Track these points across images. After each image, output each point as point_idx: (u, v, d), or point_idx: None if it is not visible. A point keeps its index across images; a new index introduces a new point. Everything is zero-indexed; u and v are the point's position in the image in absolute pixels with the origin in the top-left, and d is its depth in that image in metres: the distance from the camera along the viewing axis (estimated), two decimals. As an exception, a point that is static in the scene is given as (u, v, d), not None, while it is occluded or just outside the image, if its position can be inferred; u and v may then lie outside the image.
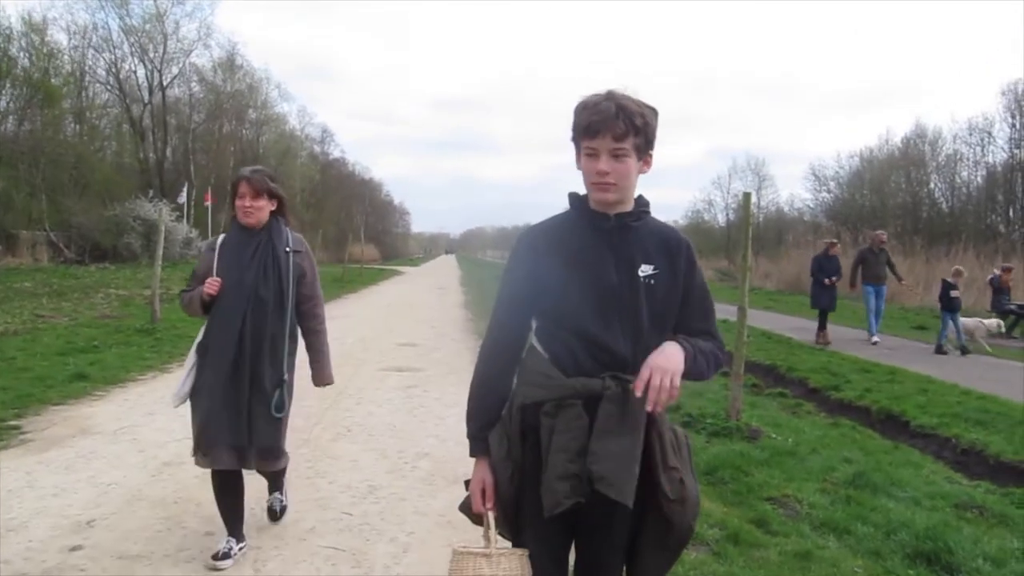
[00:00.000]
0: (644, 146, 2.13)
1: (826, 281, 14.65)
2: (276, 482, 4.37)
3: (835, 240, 17.02)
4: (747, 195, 7.28)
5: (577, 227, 2.18)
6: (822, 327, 14.65)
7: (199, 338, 3.93)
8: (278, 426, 3.93)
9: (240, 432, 3.77)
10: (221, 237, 4.01)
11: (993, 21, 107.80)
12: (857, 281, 14.76)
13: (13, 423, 6.41)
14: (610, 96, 2.10)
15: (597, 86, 2.16)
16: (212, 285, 3.77)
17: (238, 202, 3.85)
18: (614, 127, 2.06)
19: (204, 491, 4.80)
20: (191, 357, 3.96)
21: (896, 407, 8.55)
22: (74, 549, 3.91)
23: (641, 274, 2.13)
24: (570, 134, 2.19)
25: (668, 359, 2.05)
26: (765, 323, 16.21)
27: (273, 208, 3.95)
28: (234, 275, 3.79)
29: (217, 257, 3.88)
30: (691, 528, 2.22)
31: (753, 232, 7.26)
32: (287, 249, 3.92)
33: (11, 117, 36.34)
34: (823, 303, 14.77)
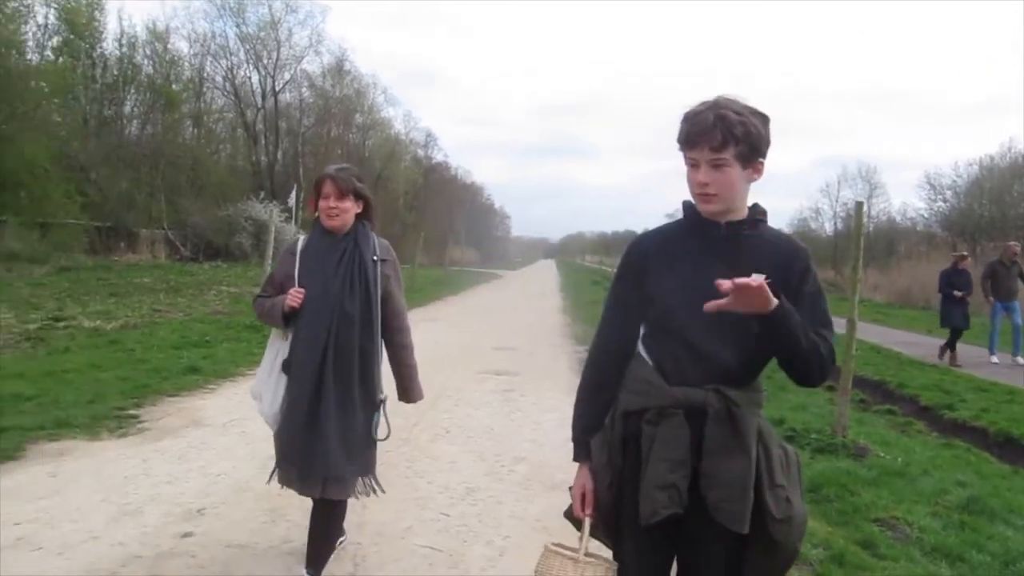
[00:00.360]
0: (749, 154, 2.07)
1: (955, 294, 13.65)
2: (330, 529, 3.73)
3: (965, 254, 15.61)
4: (859, 204, 7.06)
5: (688, 235, 2.17)
6: (951, 347, 13.57)
7: (282, 354, 3.57)
8: (372, 450, 3.66)
9: (313, 456, 3.43)
10: (301, 240, 3.64)
11: None
12: (988, 296, 13.69)
13: (132, 412, 6.73)
14: (713, 105, 2.06)
15: (702, 92, 2.13)
16: (295, 296, 3.43)
17: (322, 203, 3.46)
18: (711, 138, 2.03)
19: (307, 485, 4.95)
20: (273, 373, 3.58)
21: (1016, 429, 8.10)
22: (185, 536, 4.07)
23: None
24: (666, 138, 2.18)
25: (757, 285, 1.92)
26: (874, 337, 15.62)
27: (359, 211, 3.56)
28: (318, 284, 3.43)
29: (299, 263, 3.52)
30: (796, 550, 2.15)
31: (864, 242, 7.02)
32: (375, 257, 3.53)
33: (135, 121, 38.26)
34: (955, 320, 13.67)
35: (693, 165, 2.08)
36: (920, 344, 16.01)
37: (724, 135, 2.02)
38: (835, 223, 55.82)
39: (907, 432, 8.11)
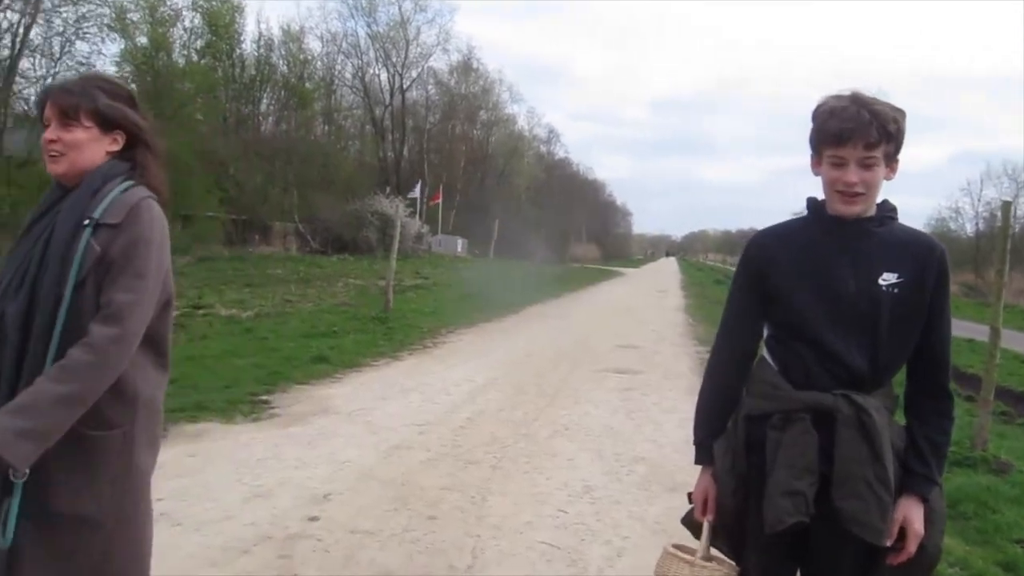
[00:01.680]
0: (893, 153, 2.00)
1: None
2: None
3: None
4: (1007, 203, 6.64)
5: (812, 232, 2.07)
6: None
7: None
8: None
9: None
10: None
11: None
12: None
13: (264, 398, 7.03)
14: (857, 99, 1.97)
15: (819, 88, 2.04)
16: None
17: (44, 138, 2.02)
18: (867, 135, 1.93)
19: (429, 476, 5.06)
20: None
21: None
22: (312, 519, 4.21)
23: (883, 283, 1.98)
24: (805, 138, 2.08)
25: (922, 526, 2.00)
26: (1020, 346, 14.71)
27: (114, 147, 2.07)
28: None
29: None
30: (938, 547, 2.06)
31: (1010, 244, 6.61)
32: (87, 222, 1.92)
33: (270, 119, 39.97)
34: None
35: (838, 164, 1.97)
36: (1071, 354, 14.97)
37: (879, 133, 1.94)
38: (977, 224, 52.85)
39: (1055, 448, 7.60)
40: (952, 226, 54.26)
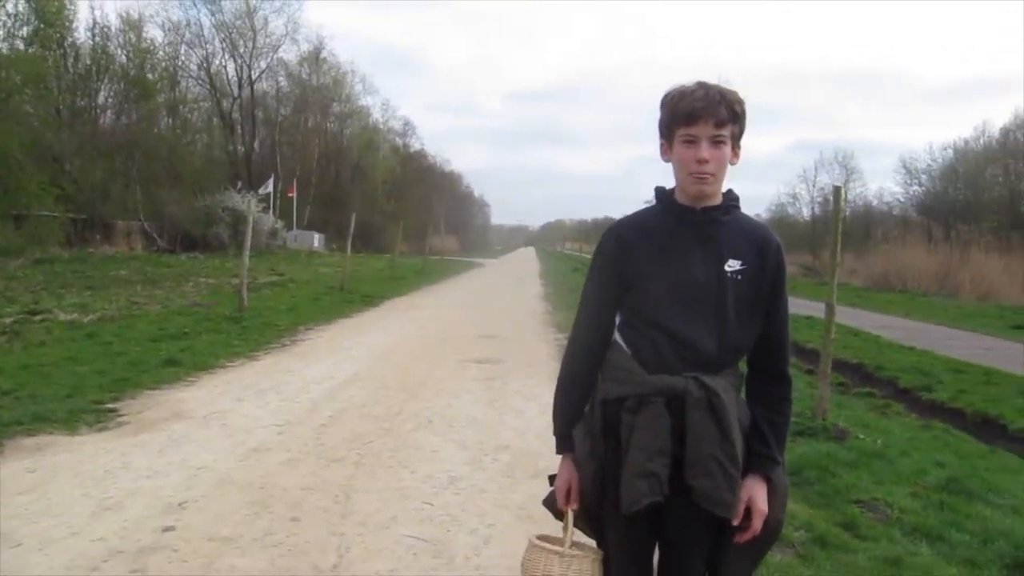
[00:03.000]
0: (738, 136, 2.10)
1: None
2: None
3: None
4: (837, 189, 7.08)
5: (663, 221, 2.15)
6: None
7: None
8: None
9: None
10: None
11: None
12: None
13: (110, 406, 6.67)
14: (703, 84, 2.08)
15: (678, 78, 2.13)
16: None
17: None
18: (717, 112, 2.02)
19: (290, 477, 4.94)
20: None
21: (993, 409, 8.20)
22: (167, 530, 4.03)
23: (728, 269, 2.08)
24: (655, 126, 2.16)
25: (766, 505, 2.11)
26: (852, 320, 15.74)
27: None
28: None
29: None
30: (780, 521, 2.18)
31: (841, 227, 7.05)
32: None
33: (109, 111, 37.85)
34: None
35: (690, 142, 2.05)
36: (897, 327, 16.19)
37: (728, 111, 2.04)
38: (812, 208, 56.09)
39: (886, 414, 8.18)
40: (791, 211, 57.38)
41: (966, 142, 46.85)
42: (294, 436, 5.93)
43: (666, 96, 2.12)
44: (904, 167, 49.07)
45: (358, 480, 4.94)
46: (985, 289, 26.21)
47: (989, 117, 74.57)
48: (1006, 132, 44.51)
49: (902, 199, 49.93)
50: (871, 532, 4.34)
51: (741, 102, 2.08)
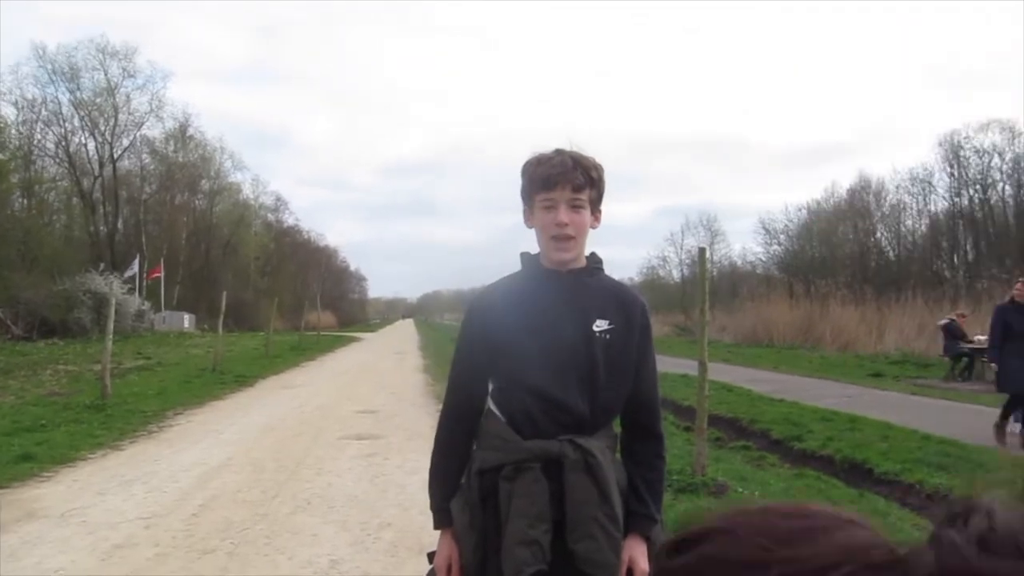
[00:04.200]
0: (597, 200, 2.15)
1: None
2: None
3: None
4: (702, 250, 7.36)
5: (530, 285, 2.17)
6: (1010, 416, 9.43)
7: None
8: None
9: None
10: None
11: (928, 71, 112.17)
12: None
13: (-46, 509, 6.13)
14: (560, 152, 2.12)
15: (541, 147, 2.18)
16: None
17: None
18: (573, 178, 2.07)
19: (158, 573, 4.63)
20: None
21: (859, 455, 8.55)
22: (18, 642, 3.70)
23: (596, 329, 2.10)
24: (518, 193, 2.20)
25: (646, 564, 2.09)
26: (724, 376, 16.25)
27: None
28: None
29: None
30: None
31: (709, 286, 7.31)
32: None
33: (-44, 194, 35.74)
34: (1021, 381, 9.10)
35: (549, 207, 2.09)
36: (767, 380, 16.81)
37: (584, 177, 2.08)
38: (681, 270, 58.39)
39: (762, 466, 8.41)
40: (661, 273, 59.61)
41: (818, 203, 49.98)
42: (162, 528, 5.58)
43: (526, 164, 2.16)
44: (763, 227, 51.85)
45: (232, 571, 4.68)
46: (844, 340, 27.66)
47: (837, 179, 79.79)
48: (852, 192, 47.77)
49: (764, 258, 52.60)
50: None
51: (597, 167, 2.13)
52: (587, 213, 2.11)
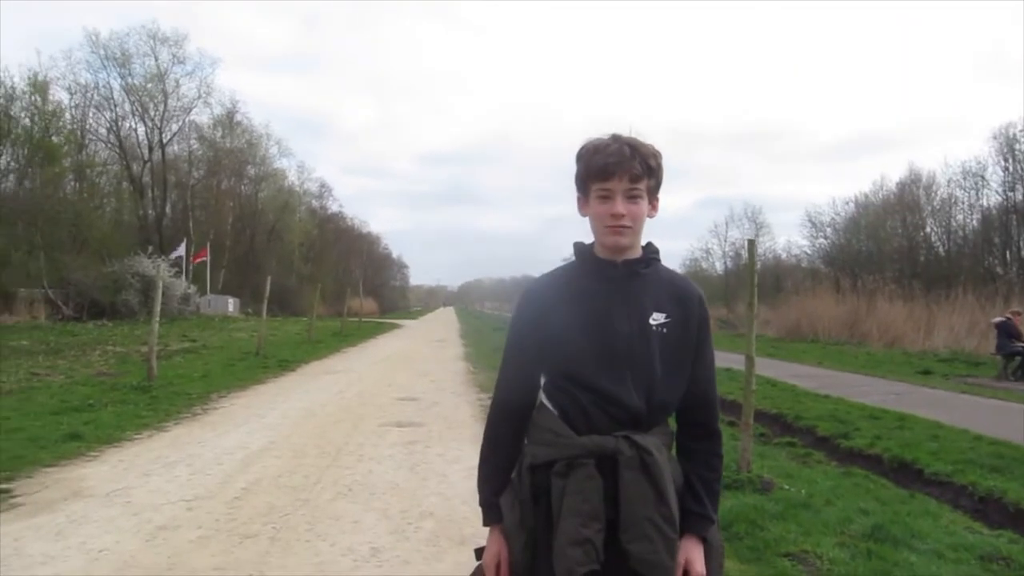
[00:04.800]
0: (655, 189, 2.07)
1: None
2: None
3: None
4: (751, 242, 7.20)
5: (583, 277, 2.09)
6: None
7: None
8: None
9: None
10: None
11: (985, 63, 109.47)
12: None
13: (3, 486, 6.21)
14: (618, 138, 2.04)
15: (588, 135, 2.10)
16: None
17: None
18: (631, 168, 1.99)
19: (200, 556, 4.65)
20: None
21: (908, 454, 8.35)
22: (62, 622, 3.72)
23: (653, 323, 2.02)
24: (571, 181, 2.13)
25: (703, 566, 2.05)
26: (769, 371, 16.01)
27: None
28: None
29: None
30: None
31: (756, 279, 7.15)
32: None
33: (11, 176, 36.52)
34: None
35: (605, 197, 2.01)
36: (812, 376, 16.54)
37: (642, 166, 2.01)
38: (725, 262, 57.82)
39: (807, 463, 8.26)
40: (704, 265, 59.07)
41: (866, 196, 49.07)
42: (205, 511, 5.61)
43: (581, 149, 2.09)
44: (810, 220, 51.05)
45: (273, 556, 4.68)
46: (892, 336, 27.12)
47: (886, 171, 78.27)
48: (902, 186, 46.78)
49: (809, 251, 51.82)
50: (802, 586, 4.29)
51: (656, 155, 2.06)
52: (644, 203, 2.04)
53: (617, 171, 1.99)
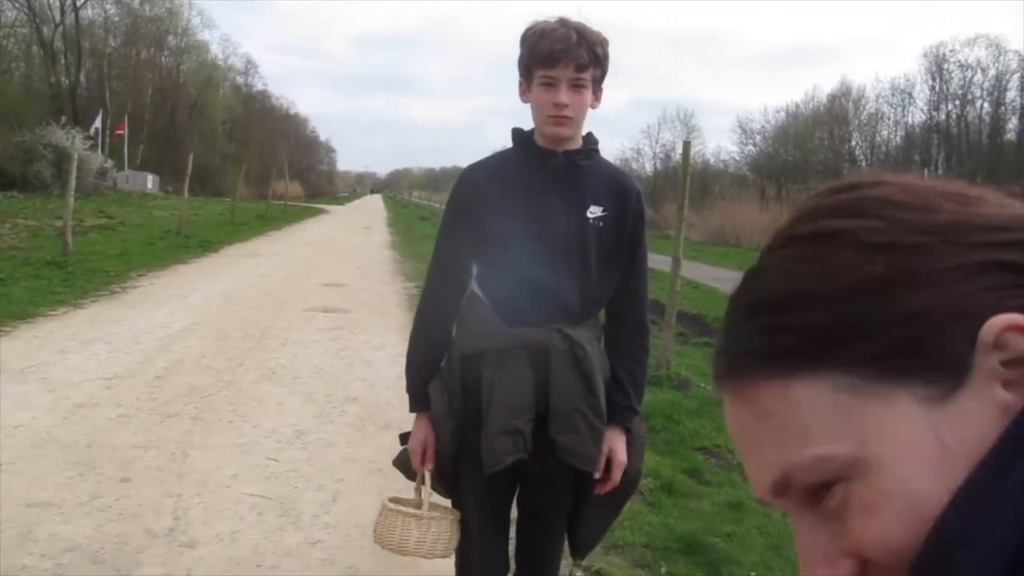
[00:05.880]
0: (600, 78, 2.01)
1: None
2: None
3: None
4: (687, 144, 7.22)
5: (522, 165, 2.05)
6: None
7: None
8: None
9: None
10: None
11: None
12: None
13: (-91, 359, 6.02)
14: (565, 23, 1.96)
15: (517, 33, 2.02)
16: None
17: None
18: (577, 56, 1.92)
19: (120, 434, 4.60)
20: None
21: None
22: (-23, 495, 3.66)
23: (590, 216, 2.01)
24: (509, 75, 2.06)
25: (625, 455, 2.07)
26: (692, 273, 16.33)
27: None
28: None
29: None
30: (639, 471, 2.19)
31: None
32: None
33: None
34: None
35: (549, 84, 1.95)
36: (733, 280, 16.82)
37: (589, 54, 1.94)
38: (655, 163, 58.10)
39: (723, 364, 8.52)
40: (634, 166, 59.19)
41: (797, 106, 49.64)
42: (124, 390, 5.53)
43: (527, 32, 2.00)
44: (740, 127, 51.58)
45: (196, 436, 4.66)
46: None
47: (818, 83, 79.14)
48: (832, 98, 47.43)
49: (738, 158, 52.48)
50: (714, 478, 4.50)
51: (603, 43, 1.99)
52: (588, 93, 1.98)
53: (562, 58, 1.92)
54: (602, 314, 2.16)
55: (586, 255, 1.99)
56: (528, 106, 2.04)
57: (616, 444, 2.07)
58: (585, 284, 2.00)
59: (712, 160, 56.20)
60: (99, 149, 37.18)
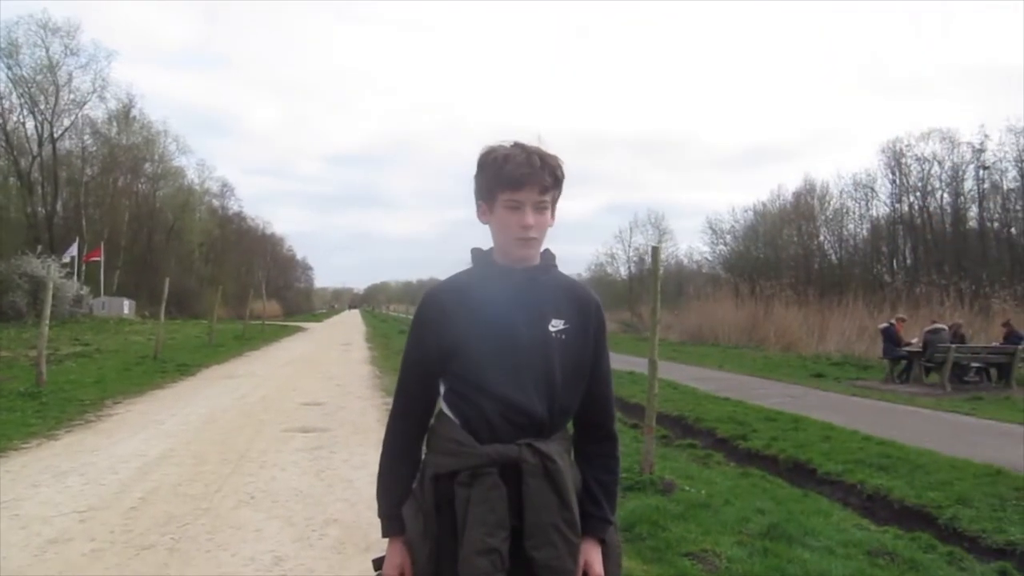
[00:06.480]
0: (557, 198, 2.10)
1: None
2: None
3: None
4: (655, 249, 7.35)
5: (483, 283, 2.09)
6: None
7: None
8: None
9: None
10: None
11: (872, 78, 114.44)
12: None
13: None
14: (523, 148, 2.04)
15: (490, 141, 2.09)
16: None
17: None
18: (541, 179, 2.00)
19: (93, 570, 4.49)
20: None
21: (802, 455, 8.68)
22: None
23: (552, 329, 2.04)
24: (466, 190, 2.13)
25: (601, 567, 2.08)
26: (671, 374, 16.38)
27: None
28: None
29: None
30: None
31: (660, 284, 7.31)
32: None
33: None
34: None
35: (515, 207, 2.01)
36: (713, 379, 16.99)
37: (551, 178, 2.02)
38: (629, 267, 58.93)
39: (708, 464, 8.49)
40: (609, 270, 60.10)
41: (764, 205, 50.89)
42: (99, 523, 5.41)
43: (487, 157, 2.07)
44: (711, 227, 52.68)
45: (172, 568, 4.54)
46: (788, 340, 28.12)
47: (783, 181, 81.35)
48: (797, 195, 48.71)
49: (710, 258, 53.38)
50: (702, 585, 4.41)
51: (561, 166, 2.07)
52: (549, 214, 2.06)
53: (527, 182, 2.00)
54: (570, 425, 2.18)
55: (551, 368, 2.02)
56: (486, 226, 2.11)
57: (592, 556, 2.06)
58: (552, 397, 2.02)
59: (685, 260, 57.21)
60: (75, 276, 37.23)
